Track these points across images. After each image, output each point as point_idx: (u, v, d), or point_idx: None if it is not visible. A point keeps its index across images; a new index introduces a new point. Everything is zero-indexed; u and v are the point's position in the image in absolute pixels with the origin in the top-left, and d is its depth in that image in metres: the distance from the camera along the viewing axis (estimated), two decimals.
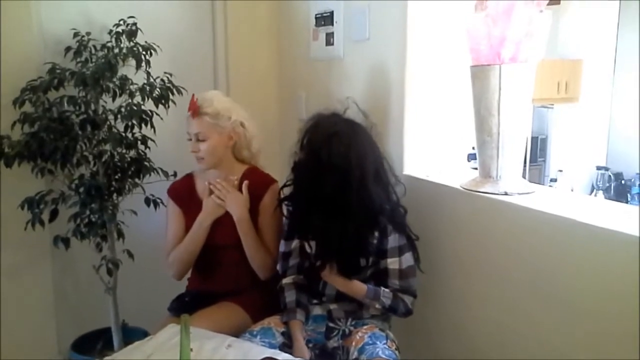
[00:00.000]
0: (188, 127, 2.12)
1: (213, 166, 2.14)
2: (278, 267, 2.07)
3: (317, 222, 1.89)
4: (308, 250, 1.96)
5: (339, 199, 1.82)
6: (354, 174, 1.80)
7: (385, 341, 1.87)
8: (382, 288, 1.90)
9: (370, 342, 1.84)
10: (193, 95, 2.11)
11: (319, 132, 1.87)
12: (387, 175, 1.94)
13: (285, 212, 2.07)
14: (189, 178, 2.25)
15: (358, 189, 1.81)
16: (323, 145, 1.82)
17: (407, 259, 1.92)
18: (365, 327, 1.93)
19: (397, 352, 1.86)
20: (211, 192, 2.13)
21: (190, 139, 2.12)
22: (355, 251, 1.88)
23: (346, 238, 1.85)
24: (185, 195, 2.21)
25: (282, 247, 2.04)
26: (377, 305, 1.90)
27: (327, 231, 1.87)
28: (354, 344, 1.86)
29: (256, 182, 2.17)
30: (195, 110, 2.08)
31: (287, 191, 2.04)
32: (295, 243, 2.02)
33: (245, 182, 2.13)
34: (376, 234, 1.89)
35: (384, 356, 1.78)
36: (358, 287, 1.89)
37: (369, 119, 1.99)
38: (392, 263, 1.91)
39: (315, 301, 2.01)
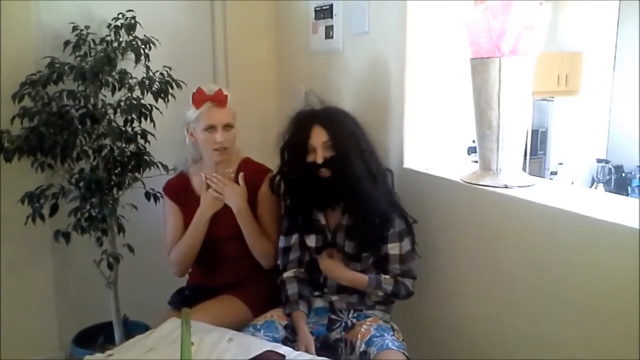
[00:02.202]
0: (210, 118, 2.06)
1: (228, 157, 2.15)
2: (279, 261, 2.08)
3: (313, 217, 1.92)
4: (310, 244, 1.98)
5: (328, 193, 1.85)
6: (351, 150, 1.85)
7: (392, 333, 1.88)
8: (383, 275, 1.92)
9: (378, 334, 1.85)
10: (200, 87, 2.10)
11: (303, 113, 1.94)
12: (378, 160, 1.96)
13: (282, 208, 2.08)
14: (184, 175, 2.24)
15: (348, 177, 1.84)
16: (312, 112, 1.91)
17: (407, 244, 1.94)
18: (369, 319, 1.94)
19: (404, 343, 1.87)
20: (208, 187, 2.13)
21: (210, 130, 2.07)
22: (358, 241, 1.91)
23: (343, 230, 1.87)
24: (182, 192, 2.20)
25: (281, 243, 2.06)
26: (380, 293, 1.92)
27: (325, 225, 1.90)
28: (359, 336, 1.87)
29: (252, 172, 2.17)
30: (224, 99, 2.08)
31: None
32: (294, 237, 2.03)
33: (241, 174, 2.13)
34: (377, 221, 1.90)
35: (394, 348, 1.80)
36: (359, 279, 1.90)
37: (325, 103, 2.02)
38: (393, 248, 1.92)
39: (317, 293, 2.02)
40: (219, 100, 2.08)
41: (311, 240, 1.98)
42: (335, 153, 1.85)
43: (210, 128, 2.07)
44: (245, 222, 2.09)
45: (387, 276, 1.92)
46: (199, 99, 2.07)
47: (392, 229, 1.91)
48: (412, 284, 1.95)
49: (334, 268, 1.92)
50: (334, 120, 1.89)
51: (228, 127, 2.09)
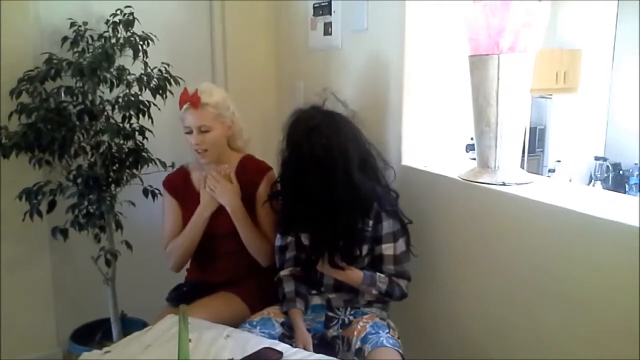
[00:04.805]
0: (187, 120, 2.07)
1: (215, 158, 2.14)
2: (276, 259, 2.08)
3: (307, 216, 1.91)
4: (304, 242, 1.97)
5: (326, 191, 1.83)
6: (338, 164, 1.82)
7: (387, 330, 1.89)
8: (378, 274, 1.92)
9: (373, 331, 1.86)
10: (185, 88, 2.09)
11: (299, 128, 1.88)
12: (375, 161, 1.95)
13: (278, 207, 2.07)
14: (184, 170, 2.25)
15: (343, 179, 1.82)
16: (304, 139, 1.84)
17: (401, 244, 1.94)
18: (365, 316, 1.95)
19: (399, 340, 1.87)
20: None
21: (189, 132, 2.08)
22: (349, 241, 1.89)
23: (337, 229, 1.87)
24: (181, 186, 2.20)
25: (278, 241, 2.05)
26: (374, 291, 1.92)
27: (318, 224, 1.89)
28: (355, 333, 1.88)
29: (252, 169, 2.17)
30: (196, 101, 2.05)
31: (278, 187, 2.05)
32: (291, 236, 2.02)
33: (232, 172, 2.12)
34: (370, 221, 1.90)
35: (388, 345, 1.80)
36: (355, 275, 1.90)
37: (349, 107, 2.00)
38: (387, 249, 1.92)
39: (314, 291, 2.02)
40: (192, 102, 2.05)
41: (306, 239, 1.98)
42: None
43: (188, 129, 2.07)
44: (240, 221, 2.09)
45: (382, 275, 1.92)
46: (180, 99, 2.08)
47: (386, 230, 1.91)
48: (407, 285, 1.95)
49: (327, 267, 1.91)
50: (323, 143, 1.83)
51: (204, 129, 2.07)
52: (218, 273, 2.18)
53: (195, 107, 2.05)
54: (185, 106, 2.06)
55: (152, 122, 2.50)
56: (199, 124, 2.06)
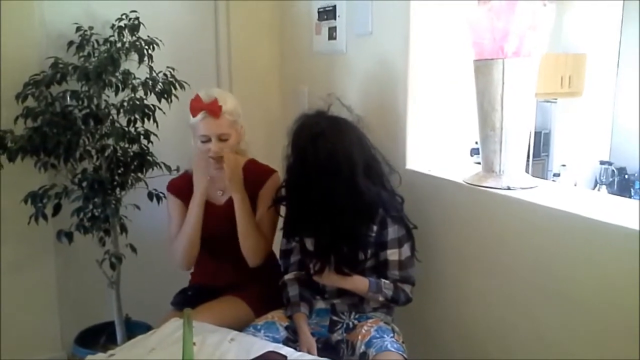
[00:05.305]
0: (204, 129, 2.03)
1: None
2: (280, 263, 2.08)
3: (311, 221, 1.91)
4: (309, 247, 1.97)
5: (331, 197, 1.83)
6: (343, 170, 1.81)
7: (392, 334, 1.88)
8: (383, 280, 1.91)
9: (378, 335, 1.85)
10: (197, 95, 2.06)
11: (304, 133, 1.88)
12: (380, 166, 1.95)
13: (283, 212, 2.07)
14: (188, 174, 2.23)
15: (348, 184, 1.82)
16: (309, 145, 1.83)
17: (406, 249, 1.93)
18: (370, 320, 1.94)
19: (403, 345, 1.87)
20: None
21: (206, 141, 2.04)
22: (353, 246, 1.89)
23: (341, 234, 1.86)
24: (185, 189, 2.18)
25: (282, 245, 2.06)
26: (380, 298, 1.91)
27: (322, 229, 1.88)
28: (360, 337, 1.87)
29: (257, 172, 2.17)
30: (218, 110, 2.02)
31: (283, 192, 2.04)
32: (295, 241, 2.02)
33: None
34: (375, 227, 1.90)
35: (392, 349, 1.79)
36: (360, 283, 1.90)
37: (354, 112, 2.00)
38: (392, 254, 1.92)
39: (318, 297, 2.02)
40: (212, 111, 2.02)
41: (310, 244, 1.97)
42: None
43: (205, 138, 2.05)
44: (243, 212, 2.05)
45: (387, 281, 1.92)
46: (194, 107, 2.04)
47: (391, 235, 1.90)
48: (411, 290, 1.95)
49: (333, 276, 1.90)
50: (328, 149, 1.83)
51: (224, 137, 2.06)
52: (222, 277, 2.18)
53: (216, 116, 2.02)
54: (203, 114, 2.02)
55: (157, 126, 2.51)
56: (219, 132, 2.04)
